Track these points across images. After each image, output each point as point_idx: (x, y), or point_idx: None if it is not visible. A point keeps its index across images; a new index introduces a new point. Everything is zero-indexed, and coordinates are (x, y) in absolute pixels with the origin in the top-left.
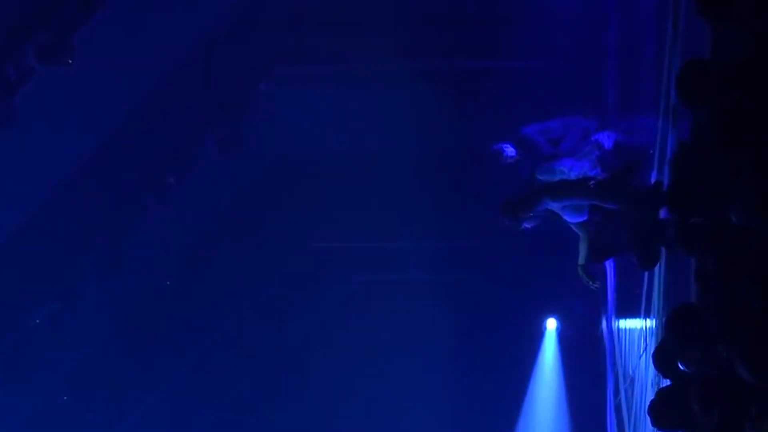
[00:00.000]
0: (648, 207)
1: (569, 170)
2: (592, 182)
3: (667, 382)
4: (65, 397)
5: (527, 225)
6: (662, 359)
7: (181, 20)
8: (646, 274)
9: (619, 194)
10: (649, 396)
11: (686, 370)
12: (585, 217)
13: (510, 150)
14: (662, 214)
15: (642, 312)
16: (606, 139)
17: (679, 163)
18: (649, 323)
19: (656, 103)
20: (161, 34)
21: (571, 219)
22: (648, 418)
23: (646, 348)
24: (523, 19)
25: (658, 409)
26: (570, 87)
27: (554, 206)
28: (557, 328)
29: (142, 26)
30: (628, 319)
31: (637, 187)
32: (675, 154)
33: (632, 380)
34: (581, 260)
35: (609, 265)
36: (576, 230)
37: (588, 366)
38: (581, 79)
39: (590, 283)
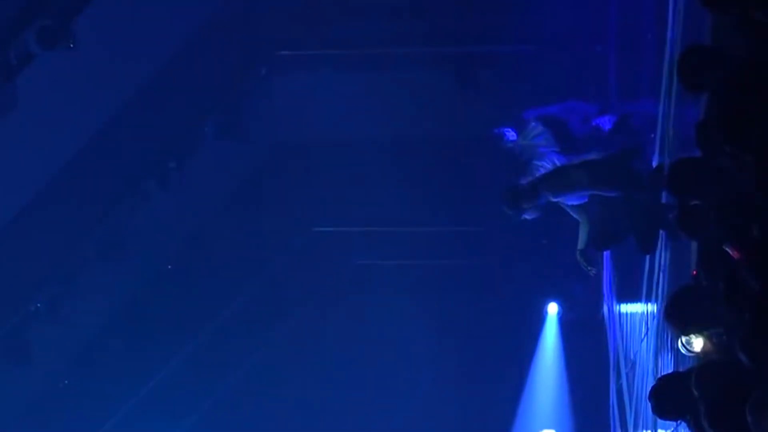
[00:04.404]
0: (647, 191)
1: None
2: (588, 170)
3: (668, 369)
4: (66, 381)
5: (528, 216)
6: None
7: (182, 5)
8: (648, 257)
9: (617, 180)
10: (650, 380)
11: (687, 353)
12: (586, 199)
13: (511, 134)
14: (663, 197)
15: (643, 296)
16: (606, 124)
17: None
18: (651, 307)
19: (658, 88)
20: (161, 20)
21: (571, 201)
22: (649, 403)
23: (647, 332)
24: (523, 3)
25: (658, 394)
26: (571, 71)
27: (558, 197)
28: (558, 313)
29: (143, 11)
30: (629, 304)
31: (636, 170)
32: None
33: (633, 364)
34: (581, 245)
35: (610, 250)
36: (576, 216)
37: (589, 350)
38: (582, 64)
39: (589, 269)
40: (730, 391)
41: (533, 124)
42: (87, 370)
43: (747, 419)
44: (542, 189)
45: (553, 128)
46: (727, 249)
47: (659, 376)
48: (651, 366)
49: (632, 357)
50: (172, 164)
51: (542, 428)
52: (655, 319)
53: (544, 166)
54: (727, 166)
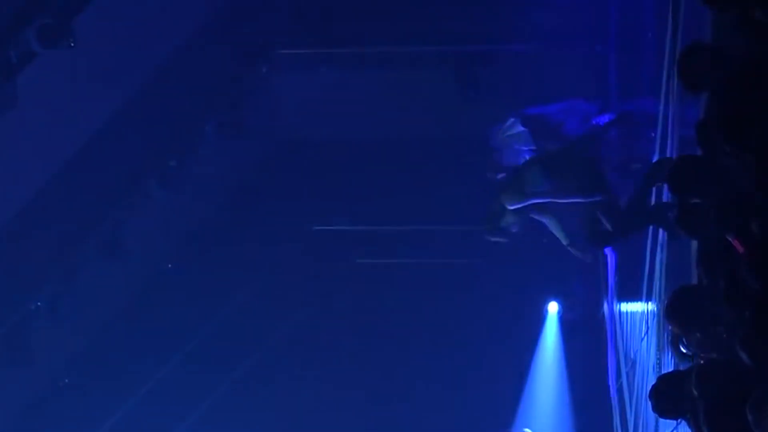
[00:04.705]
0: (607, 193)
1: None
2: (542, 177)
3: (669, 368)
4: (66, 380)
5: (514, 230)
6: None
7: (182, 4)
8: (648, 256)
9: (572, 183)
10: (651, 379)
11: (687, 351)
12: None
13: None
14: (665, 195)
15: (643, 295)
16: (605, 122)
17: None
18: (651, 306)
19: (658, 88)
20: (162, 18)
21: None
22: (649, 402)
23: (647, 331)
24: (523, 2)
25: (658, 394)
26: (571, 71)
27: (515, 206)
28: (558, 312)
29: (143, 10)
30: (629, 303)
31: (592, 168)
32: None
33: (633, 363)
34: (565, 241)
35: (608, 248)
36: (538, 218)
37: (589, 350)
38: (582, 63)
39: (584, 256)
40: (730, 391)
41: (511, 120)
42: (87, 370)
43: (747, 419)
44: (504, 201)
45: (531, 126)
46: (730, 240)
47: (660, 375)
48: (651, 365)
49: (632, 356)
50: (172, 163)
51: (542, 428)
52: (656, 319)
53: (517, 163)
54: (727, 166)
